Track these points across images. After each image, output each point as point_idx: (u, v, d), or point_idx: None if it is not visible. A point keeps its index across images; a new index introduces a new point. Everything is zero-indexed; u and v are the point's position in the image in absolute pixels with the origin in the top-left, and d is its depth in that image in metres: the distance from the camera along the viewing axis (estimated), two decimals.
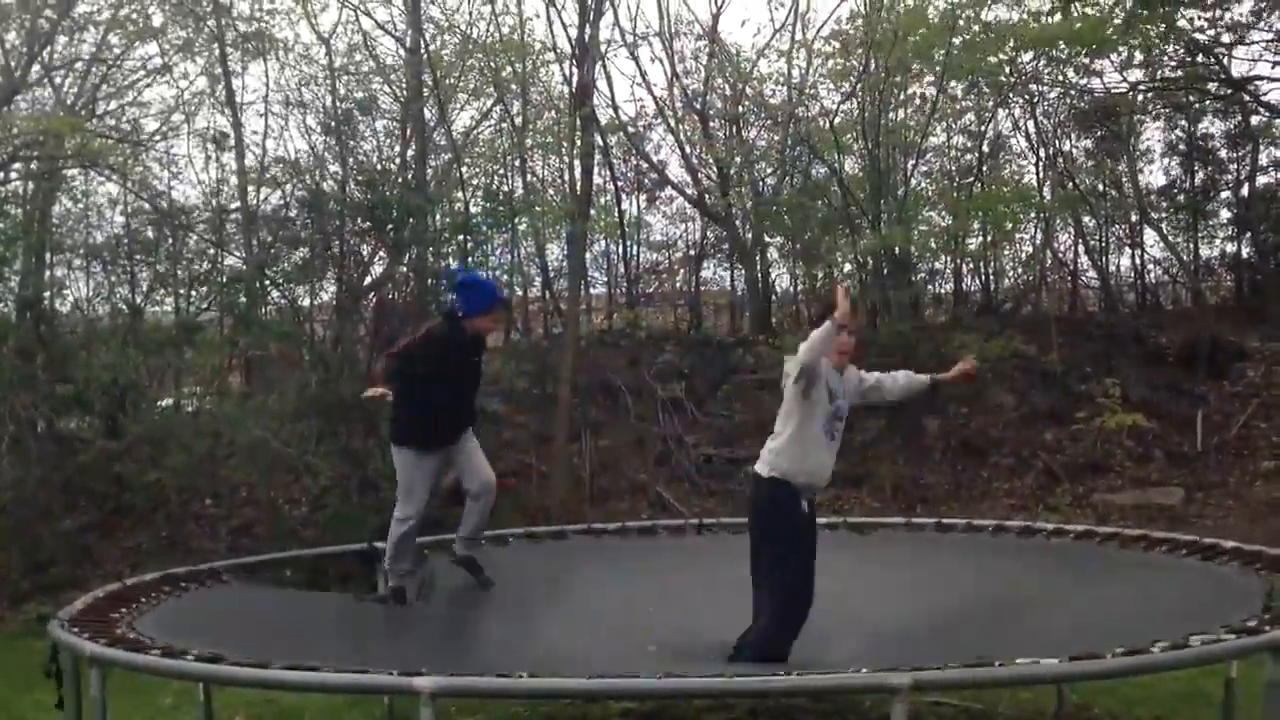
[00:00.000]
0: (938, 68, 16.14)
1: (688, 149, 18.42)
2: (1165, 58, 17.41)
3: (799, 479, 6.06)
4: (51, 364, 13.88)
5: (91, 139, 14.82)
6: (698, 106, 18.07)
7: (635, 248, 19.31)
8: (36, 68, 15.79)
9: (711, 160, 18.18)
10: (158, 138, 17.21)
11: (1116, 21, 15.15)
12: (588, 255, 17.69)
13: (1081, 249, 19.10)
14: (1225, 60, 17.25)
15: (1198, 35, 16.55)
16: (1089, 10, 15.31)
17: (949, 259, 18.55)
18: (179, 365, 15.75)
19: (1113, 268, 19.41)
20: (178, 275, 16.89)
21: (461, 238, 16.19)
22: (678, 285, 20.26)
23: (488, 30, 17.33)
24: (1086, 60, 17.05)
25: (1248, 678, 5.25)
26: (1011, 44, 16.16)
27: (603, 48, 16.90)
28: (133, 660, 4.82)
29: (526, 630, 6.27)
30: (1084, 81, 17.75)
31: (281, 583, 7.99)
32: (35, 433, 13.53)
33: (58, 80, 16.47)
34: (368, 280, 15.75)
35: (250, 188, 16.69)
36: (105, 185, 16.79)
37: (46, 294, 16.05)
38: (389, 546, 7.15)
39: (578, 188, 16.11)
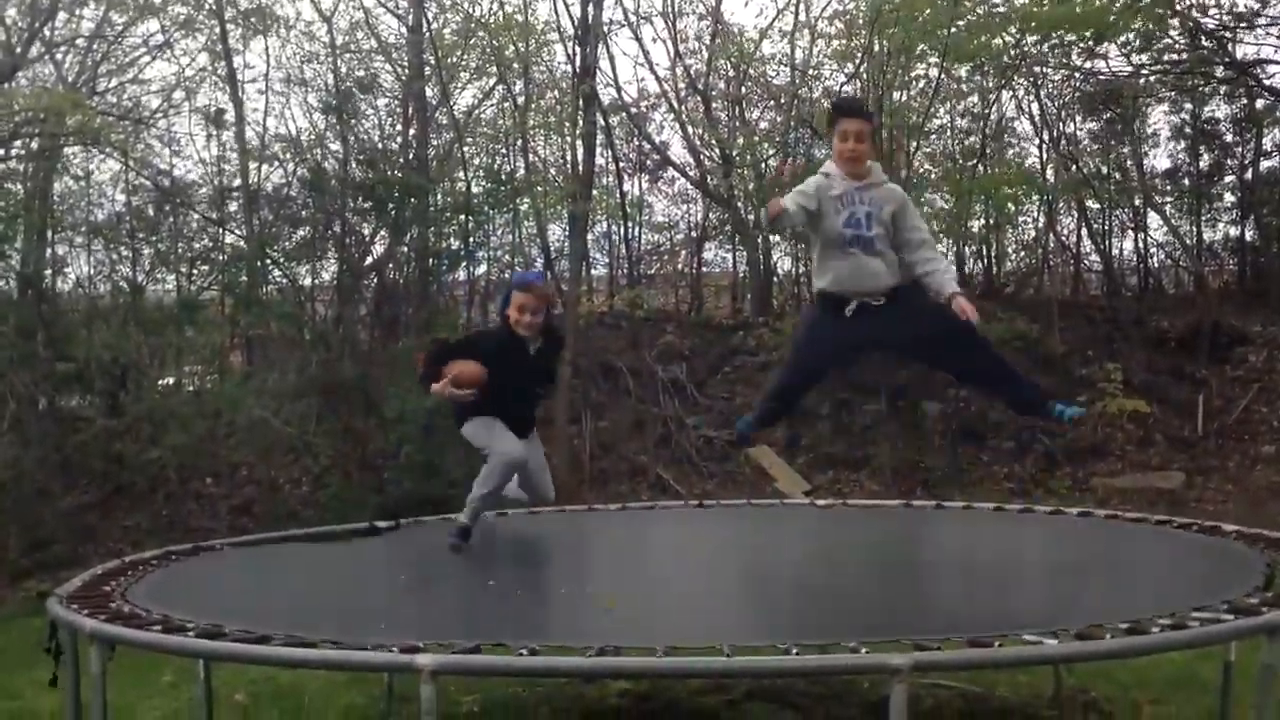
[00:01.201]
0: (941, 49, 16.08)
1: (690, 130, 18.40)
2: (1170, 41, 17.36)
3: (828, 286, 5.88)
4: (52, 342, 13.89)
5: (92, 116, 14.78)
6: (700, 87, 18.03)
7: (637, 229, 19.31)
8: (37, 45, 15.75)
9: (714, 141, 18.14)
10: (159, 115, 17.19)
11: (1119, 5, 15.09)
12: (589, 236, 17.68)
13: (1085, 232, 19.08)
14: (1230, 44, 17.21)
15: (1202, 19, 16.51)
16: None
17: (951, 241, 18.51)
18: (180, 344, 15.75)
19: (1116, 251, 19.40)
20: (179, 254, 16.87)
21: (463, 218, 16.18)
22: (679, 267, 20.25)
23: (490, 9, 17.29)
24: (1091, 44, 16.98)
25: (1245, 661, 5.24)
26: (1015, 27, 16.10)
27: (605, 27, 16.87)
28: (132, 636, 4.81)
29: (527, 608, 6.27)
30: (1089, 64, 17.70)
31: (282, 559, 7.97)
32: (35, 411, 13.54)
33: (59, 57, 16.44)
34: (369, 260, 15.76)
35: (251, 166, 16.67)
36: (106, 163, 16.77)
37: (47, 272, 16.05)
38: (483, 482, 6.67)
39: (579, 168, 16.09)
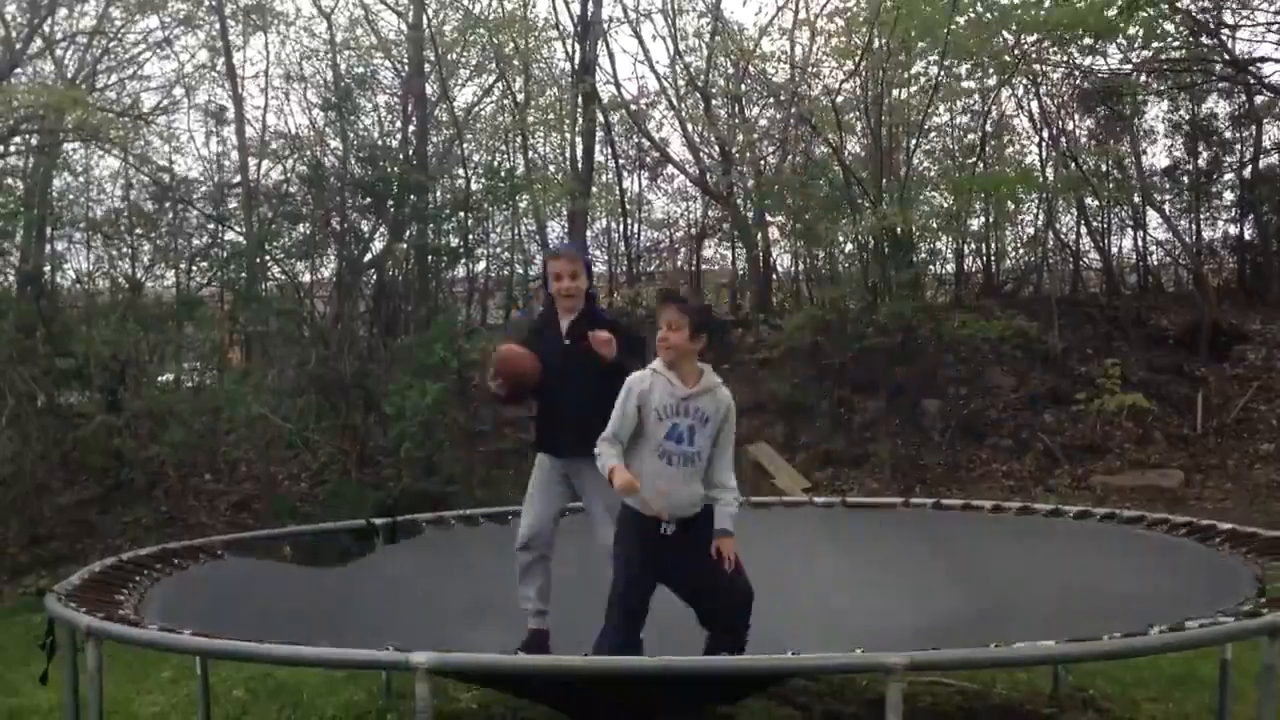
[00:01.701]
0: (940, 47, 16.08)
1: (689, 127, 18.38)
2: (1169, 38, 17.35)
3: (633, 504, 5.32)
4: (51, 338, 13.89)
5: (92, 113, 14.78)
6: (700, 84, 18.02)
7: (636, 226, 19.30)
8: (37, 41, 15.76)
9: (713, 139, 18.14)
10: (159, 112, 17.20)
11: (1119, 3, 15.08)
12: (588, 233, 17.68)
13: (1084, 230, 19.07)
14: (1229, 41, 17.21)
15: (1200, 16, 16.50)
16: None
17: (951, 239, 18.52)
18: (179, 340, 15.75)
19: (1115, 249, 19.40)
20: (178, 250, 16.87)
21: (462, 214, 16.18)
22: (679, 264, 20.25)
23: (490, 6, 17.28)
24: (1090, 41, 16.98)
25: (1243, 661, 5.25)
26: (1014, 25, 16.09)
27: (605, 24, 16.87)
28: (130, 634, 4.82)
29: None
30: (1088, 62, 17.70)
31: (280, 558, 7.97)
32: (35, 407, 13.53)
33: (59, 53, 16.44)
34: (368, 257, 15.75)
35: (251, 162, 16.67)
36: (106, 159, 16.78)
37: (47, 268, 16.06)
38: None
39: (579, 165, 16.09)
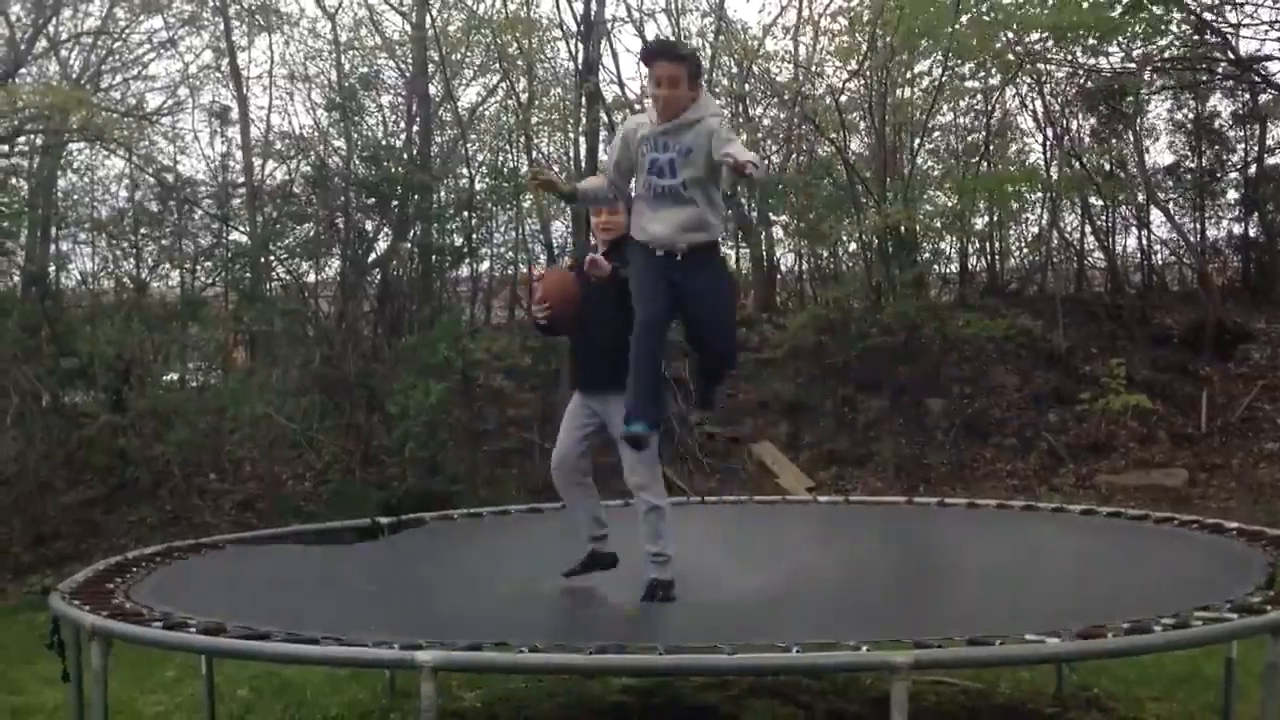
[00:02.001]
0: (943, 47, 16.07)
1: None
2: (1172, 36, 17.33)
3: (638, 235, 5.51)
4: (56, 338, 13.90)
5: (96, 113, 14.78)
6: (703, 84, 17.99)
7: None
8: (42, 41, 15.77)
9: None
10: (163, 112, 17.20)
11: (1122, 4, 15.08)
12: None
13: (1088, 229, 19.05)
14: (1233, 39, 17.20)
15: (1204, 14, 16.48)
16: None
17: (954, 239, 18.50)
18: (183, 340, 15.76)
19: (1119, 248, 19.36)
20: (183, 250, 16.87)
21: (466, 214, 16.18)
22: None
23: (494, 6, 17.27)
24: (1094, 41, 16.96)
25: (1248, 658, 5.25)
26: (1017, 25, 16.08)
27: (609, 24, 16.85)
28: (134, 633, 4.82)
29: (530, 604, 6.28)
30: (1091, 61, 17.67)
31: (285, 555, 7.98)
32: (39, 406, 13.55)
33: (63, 54, 16.45)
34: (372, 257, 15.76)
35: (255, 163, 16.67)
36: (111, 159, 16.78)
37: (51, 268, 16.07)
38: None
39: (583, 165, 16.08)
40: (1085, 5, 15.20)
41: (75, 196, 17.17)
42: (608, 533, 6.22)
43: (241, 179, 16.82)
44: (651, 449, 5.84)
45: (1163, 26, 16.32)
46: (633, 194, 5.62)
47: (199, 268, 16.91)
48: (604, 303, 5.89)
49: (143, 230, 16.76)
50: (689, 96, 5.38)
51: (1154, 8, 15.25)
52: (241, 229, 16.38)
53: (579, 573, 6.16)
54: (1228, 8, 16.64)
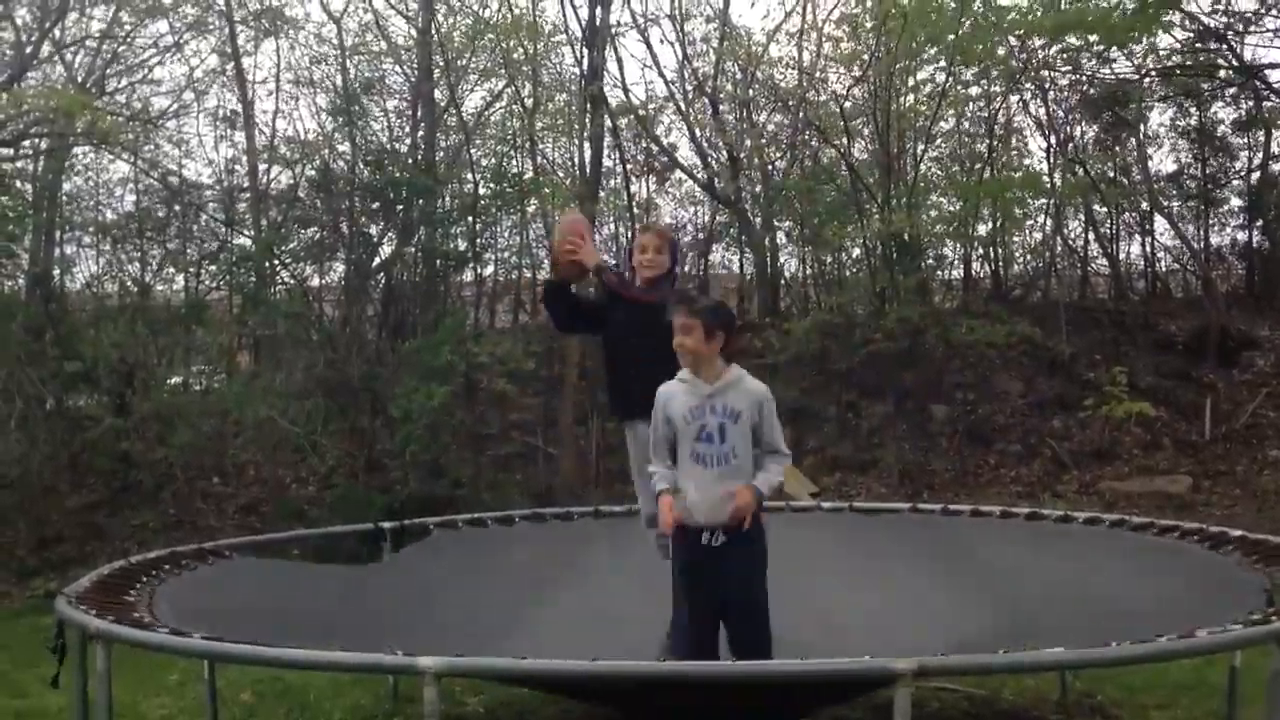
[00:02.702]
0: (947, 53, 16.09)
1: (697, 132, 18.37)
2: (1176, 43, 17.36)
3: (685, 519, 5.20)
4: (60, 341, 13.91)
5: (101, 117, 14.81)
6: (708, 90, 18.02)
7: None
8: (47, 45, 15.79)
9: (721, 144, 18.13)
10: (168, 116, 17.22)
11: (1129, 6, 15.08)
12: (597, 238, 17.63)
13: (1091, 236, 19.06)
14: (1237, 47, 17.20)
15: (1208, 20, 16.51)
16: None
17: (958, 245, 18.51)
18: (187, 344, 15.78)
19: (1123, 255, 19.38)
20: (187, 254, 16.90)
21: (470, 219, 16.20)
22: (686, 269, 20.24)
23: (499, 11, 17.29)
24: (1100, 48, 16.98)
25: (1252, 667, 5.24)
26: (1020, 31, 16.10)
27: (613, 30, 16.87)
28: (138, 637, 4.83)
29: (533, 611, 6.29)
30: (1095, 67, 17.69)
31: (288, 559, 7.99)
32: (43, 409, 13.57)
33: (69, 57, 16.48)
34: (376, 260, 15.77)
35: (260, 167, 16.70)
36: (116, 163, 16.81)
37: (56, 271, 16.09)
38: None
39: (587, 170, 16.10)
40: (1089, 14, 15.20)
41: (80, 200, 17.22)
42: None
43: (246, 183, 16.85)
44: None
45: (1164, 32, 16.34)
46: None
47: (203, 271, 16.95)
48: (636, 329, 5.83)
49: (147, 234, 16.79)
50: (712, 349, 5.20)
51: (1157, 12, 15.26)
52: (246, 233, 16.41)
53: None
54: (1231, 15, 16.65)
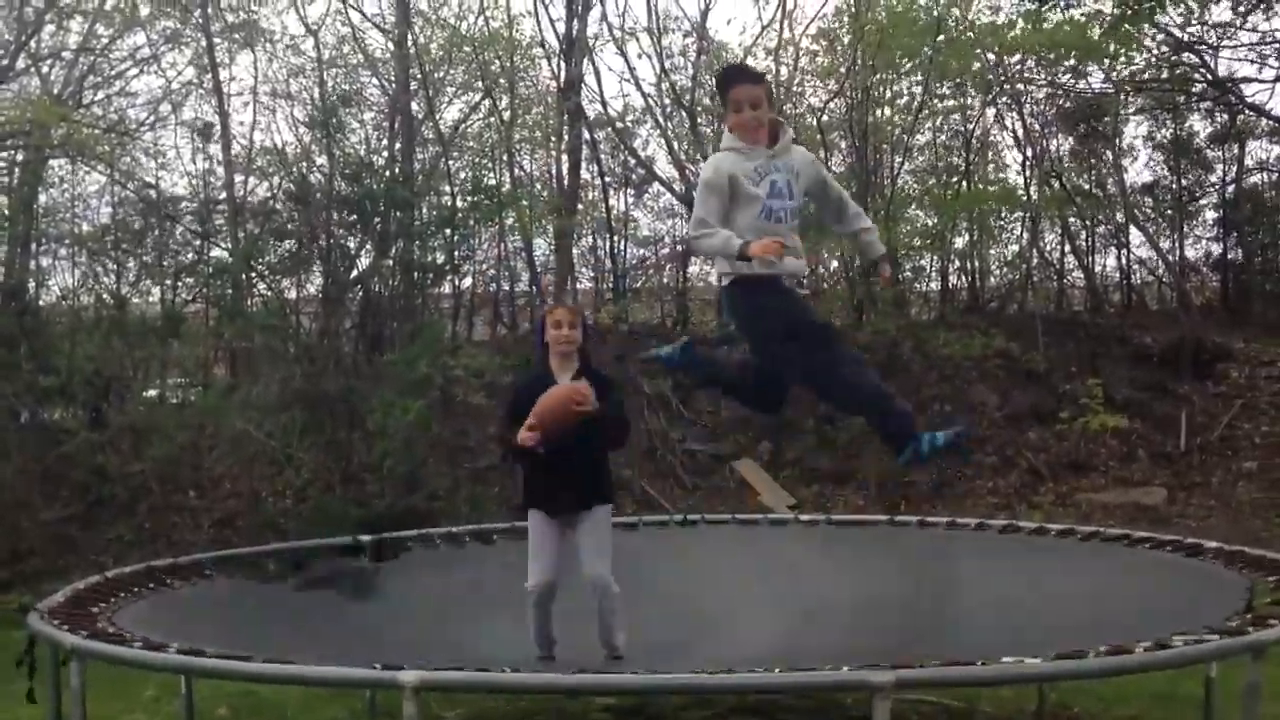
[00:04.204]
0: (922, 68, 16.18)
1: (675, 145, 18.40)
2: (1151, 56, 17.48)
3: (770, 269, 5.34)
4: (34, 354, 13.82)
5: (78, 129, 14.75)
6: (686, 102, 18.06)
7: (622, 243, 19.29)
8: (24, 57, 15.73)
9: (699, 156, 18.15)
10: (145, 128, 17.16)
11: (1102, 25, 15.18)
12: (575, 250, 17.69)
13: (1067, 248, 19.15)
14: (1211, 61, 17.35)
15: (1182, 34, 16.63)
16: (1075, 14, 15.38)
17: (935, 257, 18.58)
18: (164, 356, 15.70)
19: (1098, 267, 19.48)
20: (164, 266, 16.83)
21: (448, 231, 16.18)
22: (665, 281, 20.25)
23: (476, 24, 17.31)
24: (1073, 63, 17.11)
25: (1228, 678, 5.26)
26: (996, 46, 16.20)
27: (591, 43, 16.90)
28: (113, 652, 4.80)
29: (511, 625, 6.27)
30: (1070, 81, 17.80)
31: (264, 574, 7.94)
32: (17, 422, 13.48)
33: (45, 70, 16.41)
34: (354, 273, 15.74)
35: (237, 179, 16.66)
36: (92, 174, 16.74)
37: (31, 283, 16.00)
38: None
39: (565, 182, 16.11)
40: (1065, 27, 15.29)
41: (56, 212, 17.13)
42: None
43: (223, 195, 16.81)
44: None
45: (1139, 47, 16.45)
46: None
47: (180, 283, 16.88)
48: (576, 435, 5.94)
49: (124, 246, 16.71)
50: (771, 117, 5.45)
51: (1131, 28, 15.36)
52: (223, 245, 16.36)
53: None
54: (1206, 28, 16.79)
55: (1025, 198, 18.00)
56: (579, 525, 6.06)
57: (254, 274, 15.37)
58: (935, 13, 15.71)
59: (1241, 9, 16.40)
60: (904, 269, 17.60)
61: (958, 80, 16.84)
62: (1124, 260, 19.23)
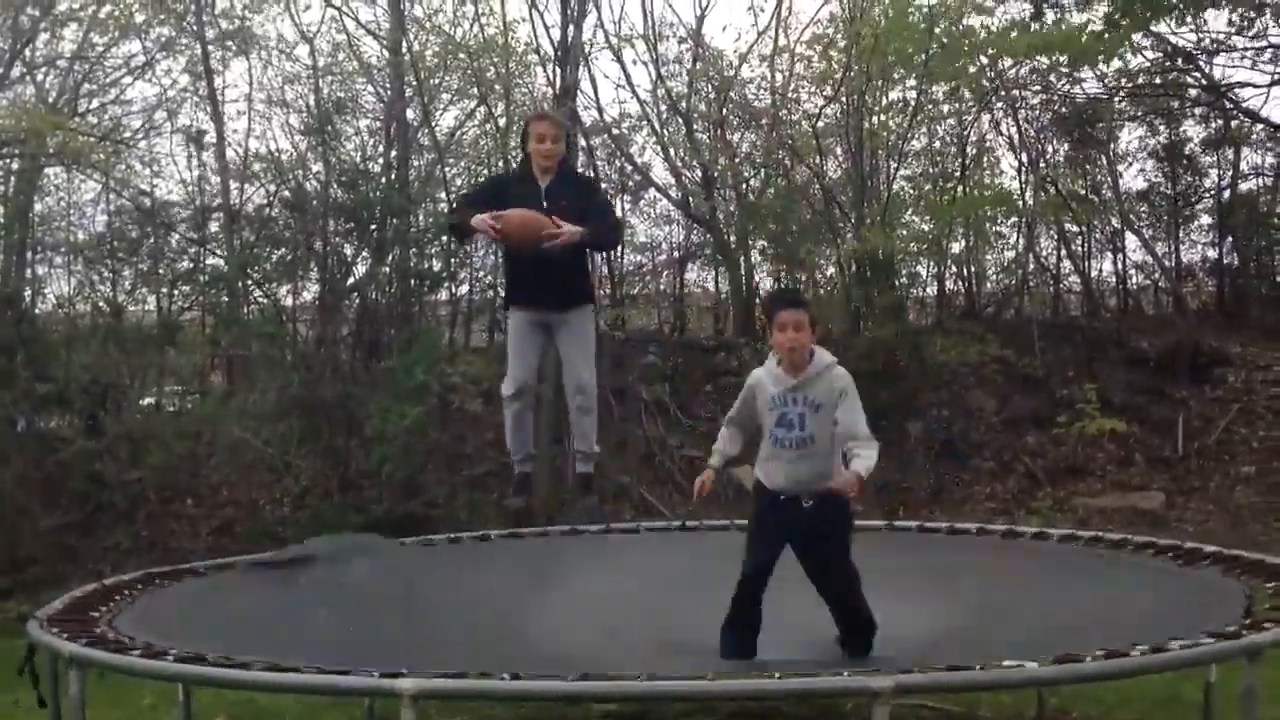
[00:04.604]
0: (917, 73, 16.19)
1: (671, 151, 18.41)
2: (1146, 62, 17.52)
3: (766, 482, 5.86)
4: (31, 362, 13.81)
5: (73, 137, 14.74)
6: (681, 109, 18.07)
7: (619, 249, 19.28)
8: (18, 65, 15.72)
9: (695, 163, 18.18)
10: (140, 136, 17.15)
11: (1094, 29, 15.22)
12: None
13: (1064, 253, 19.17)
14: (1206, 66, 17.37)
15: (1178, 40, 16.68)
16: (1070, 19, 15.42)
17: (932, 263, 18.59)
18: (160, 364, 15.69)
19: (1095, 272, 19.49)
20: (160, 274, 16.81)
21: (445, 238, 16.17)
22: (661, 287, 20.26)
23: (471, 31, 17.31)
24: (1067, 69, 17.14)
25: (1227, 682, 5.27)
26: (991, 50, 16.22)
27: (586, 49, 16.89)
28: (111, 660, 4.79)
29: (510, 629, 6.27)
30: (1066, 86, 17.84)
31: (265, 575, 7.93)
32: (15, 431, 13.46)
33: (39, 78, 16.41)
34: (350, 280, 15.73)
35: (233, 186, 16.65)
36: (87, 183, 16.72)
37: (27, 292, 15.98)
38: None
39: None
40: (1059, 34, 15.33)
41: (52, 220, 17.11)
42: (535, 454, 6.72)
43: (219, 202, 16.79)
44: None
45: (1134, 53, 16.48)
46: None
47: (176, 291, 16.87)
48: (554, 211, 6.17)
49: (119, 254, 16.69)
50: (812, 343, 5.66)
51: (1126, 34, 15.39)
52: (219, 253, 16.34)
53: (518, 497, 6.79)
54: (1200, 34, 16.82)
55: (1021, 203, 18.01)
56: (560, 330, 6.39)
57: (250, 281, 15.36)
58: (928, 8, 15.70)
59: (1235, 17, 16.41)
60: (901, 275, 17.61)
61: (953, 84, 16.85)
62: (1120, 265, 19.27)
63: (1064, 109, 18.03)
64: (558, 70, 16.22)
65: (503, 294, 6.68)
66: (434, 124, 17.02)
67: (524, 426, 6.58)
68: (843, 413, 5.62)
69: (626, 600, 6.48)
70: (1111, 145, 18.53)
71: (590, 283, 6.54)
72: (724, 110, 18.26)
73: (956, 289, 19.25)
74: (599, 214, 6.38)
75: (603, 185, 6.53)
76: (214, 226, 16.90)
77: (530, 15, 16.96)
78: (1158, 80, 18.00)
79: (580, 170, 6.82)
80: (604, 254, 17.44)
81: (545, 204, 6.26)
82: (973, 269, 19.29)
